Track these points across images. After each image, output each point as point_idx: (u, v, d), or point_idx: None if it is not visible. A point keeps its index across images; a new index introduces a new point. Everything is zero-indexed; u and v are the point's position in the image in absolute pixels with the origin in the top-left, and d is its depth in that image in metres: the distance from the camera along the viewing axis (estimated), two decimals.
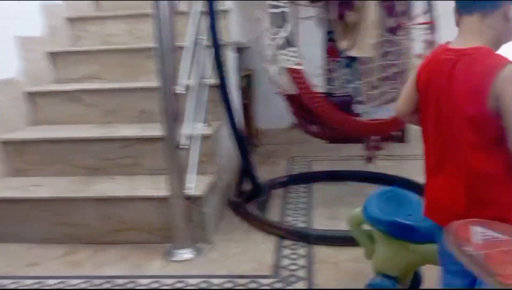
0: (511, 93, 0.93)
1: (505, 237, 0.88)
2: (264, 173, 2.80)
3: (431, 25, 2.49)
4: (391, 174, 2.78)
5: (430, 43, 2.49)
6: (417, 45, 2.55)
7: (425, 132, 1.15)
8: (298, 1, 2.58)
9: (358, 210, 1.45)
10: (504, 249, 0.83)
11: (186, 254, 1.84)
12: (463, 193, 1.03)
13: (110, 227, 1.98)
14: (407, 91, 1.21)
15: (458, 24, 1.08)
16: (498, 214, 1.00)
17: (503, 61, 0.97)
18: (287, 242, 1.96)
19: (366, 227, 1.48)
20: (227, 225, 2.15)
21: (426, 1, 2.46)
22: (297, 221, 2.22)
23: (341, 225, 2.11)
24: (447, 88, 1.03)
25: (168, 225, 1.88)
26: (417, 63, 2.58)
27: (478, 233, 0.90)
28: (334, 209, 2.33)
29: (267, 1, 2.07)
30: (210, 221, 1.98)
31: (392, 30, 2.59)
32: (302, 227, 2.13)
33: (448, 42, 1.10)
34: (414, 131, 3.64)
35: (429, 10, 2.48)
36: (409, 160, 3.24)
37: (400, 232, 1.30)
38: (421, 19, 2.54)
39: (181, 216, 1.83)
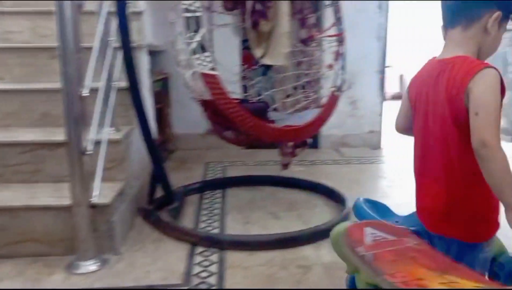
0: (480, 91, 0.99)
1: (393, 238, 0.94)
2: (180, 178, 2.76)
3: (340, 37, 2.63)
4: (303, 178, 2.87)
5: (338, 54, 2.62)
6: (327, 56, 2.68)
7: (416, 139, 1.21)
8: (213, 2, 2.59)
9: (345, 225, 1.41)
10: (391, 249, 0.89)
11: (90, 266, 1.74)
12: (444, 193, 1.08)
13: (5, 239, 1.82)
14: (401, 106, 1.28)
15: (444, 38, 1.16)
16: (478, 213, 1.06)
17: (481, 64, 1.03)
18: (199, 249, 1.94)
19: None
20: (137, 234, 2.08)
21: (333, 3, 2.58)
22: (210, 227, 2.21)
23: (254, 230, 2.15)
24: (433, 96, 1.10)
25: (72, 236, 1.77)
26: (327, 73, 2.74)
27: (370, 234, 0.95)
28: (248, 214, 2.36)
29: (181, 4, 2.04)
30: (118, 231, 1.90)
31: (304, 41, 2.69)
32: (215, 233, 2.12)
33: (434, 57, 1.17)
34: (325, 137, 3.82)
35: (338, 23, 2.61)
36: (320, 165, 3.38)
37: None
38: (331, 32, 2.67)
39: (86, 226, 1.73)
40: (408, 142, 4.08)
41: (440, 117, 1.08)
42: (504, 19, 1.09)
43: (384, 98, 4.03)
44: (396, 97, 8.25)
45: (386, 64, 4.04)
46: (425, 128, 1.14)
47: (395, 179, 3.05)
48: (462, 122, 1.02)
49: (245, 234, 2.10)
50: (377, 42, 3.79)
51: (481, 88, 0.99)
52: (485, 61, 1.07)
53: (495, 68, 1.02)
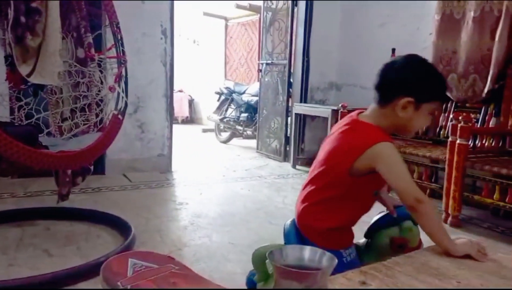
0: (389, 163, 1.16)
1: (156, 266, 0.92)
2: None
3: (120, 59, 2.56)
4: (84, 208, 2.66)
5: (119, 76, 2.55)
6: (110, 78, 2.58)
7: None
8: None
9: (266, 248, 1.36)
10: (152, 278, 0.87)
11: None
12: (307, 214, 1.30)
13: None
14: None
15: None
16: (327, 230, 1.27)
17: (379, 138, 1.17)
18: None
19: None
20: None
21: (112, 24, 2.50)
22: None
23: (21, 272, 1.86)
24: (334, 141, 1.27)
25: None
26: (109, 95, 2.63)
27: (133, 265, 0.91)
28: (13, 255, 2.04)
29: None
30: None
31: (82, 61, 2.53)
32: None
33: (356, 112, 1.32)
34: (112, 162, 3.66)
35: (117, 44, 2.54)
36: (106, 192, 3.21)
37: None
38: (111, 53, 2.58)
39: None
40: (197, 165, 4.26)
41: (329, 158, 1.26)
42: (422, 103, 1.21)
43: (172, 122, 4.11)
44: (186, 121, 8.56)
45: (177, 89, 4.12)
46: (318, 162, 1.32)
47: (182, 202, 3.11)
48: (341, 171, 1.22)
49: (6, 279, 1.79)
50: (163, 67, 3.86)
51: (388, 161, 1.16)
52: (381, 133, 1.21)
53: (390, 141, 1.19)
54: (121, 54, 2.53)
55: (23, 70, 2.16)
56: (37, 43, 2.14)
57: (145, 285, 0.84)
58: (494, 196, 2.60)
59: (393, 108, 1.22)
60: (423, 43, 3.59)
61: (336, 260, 0.65)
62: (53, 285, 1.74)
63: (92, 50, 2.49)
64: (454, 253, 1.09)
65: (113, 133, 2.51)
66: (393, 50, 3.72)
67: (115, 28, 2.45)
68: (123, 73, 2.56)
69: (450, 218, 2.72)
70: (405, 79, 1.21)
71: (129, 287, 0.82)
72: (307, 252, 0.68)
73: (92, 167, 2.63)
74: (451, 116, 2.94)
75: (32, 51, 2.15)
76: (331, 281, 0.95)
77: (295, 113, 4.50)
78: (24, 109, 2.52)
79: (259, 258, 1.42)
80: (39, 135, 2.43)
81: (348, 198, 1.26)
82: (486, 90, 2.97)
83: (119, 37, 2.52)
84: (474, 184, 2.77)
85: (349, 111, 3.52)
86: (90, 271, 1.83)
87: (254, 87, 6.05)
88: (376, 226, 1.41)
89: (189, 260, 2.06)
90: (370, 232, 1.41)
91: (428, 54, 3.39)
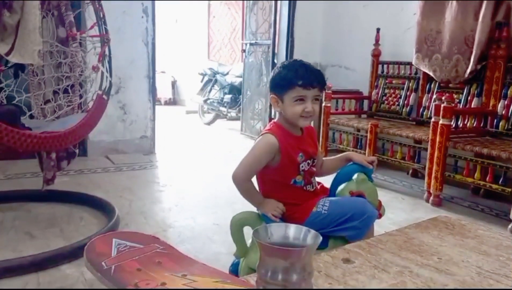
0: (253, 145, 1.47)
1: (140, 245, 0.91)
2: None
3: (103, 38, 2.50)
4: (66, 190, 2.63)
5: (102, 55, 2.49)
6: (92, 57, 2.52)
7: None
8: None
9: (244, 214, 1.54)
10: (137, 258, 0.86)
11: None
12: None
13: None
14: None
15: None
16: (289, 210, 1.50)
17: (265, 131, 1.46)
18: None
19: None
20: None
21: (94, 2, 2.43)
22: None
23: (2, 255, 1.84)
24: None
25: None
26: (93, 75, 2.57)
27: (117, 245, 0.90)
28: None
29: None
30: None
31: (64, 41, 2.46)
32: None
33: None
34: (93, 144, 3.61)
35: (100, 23, 2.48)
36: (89, 174, 3.17)
37: None
38: (93, 31, 2.52)
39: None
40: (181, 147, 4.21)
41: None
42: (281, 95, 1.41)
43: (155, 103, 4.05)
44: (169, 102, 8.46)
45: (159, 70, 4.02)
46: None
47: (166, 184, 3.09)
48: None
49: None
50: (145, 47, 3.79)
51: (254, 145, 1.47)
52: (271, 127, 1.47)
53: (273, 134, 1.42)
54: (104, 32, 2.47)
55: (1, 48, 2.08)
56: (15, 20, 2.06)
57: (130, 264, 0.83)
58: (475, 176, 2.64)
59: (275, 106, 1.47)
60: (407, 24, 3.59)
61: (321, 238, 0.65)
62: (36, 266, 1.73)
63: (74, 29, 2.42)
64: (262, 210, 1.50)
65: (98, 114, 2.47)
66: (378, 30, 3.71)
67: (97, 6, 2.38)
68: (107, 52, 2.51)
69: (432, 197, 2.77)
70: (269, 80, 1.48)
71: (113, 267, 0.81)
72: (292, 230, 0.68)
73: (77, 151, 2.60)
74: (434, 96, 2.95)
75: (10, 29, 2.08)
76: (315, 259, 0.96)
77: None
78: (5, 91, 2.45)
79: (239, 223, 1.52)
80: (21, 117, 2.38)
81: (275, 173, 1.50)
82: (469, 70, 2.99)
83: (101, 15, 2.45)
84: (456, 163, 2.81)
85: (334, 92, 3.58)
86: (74, 252, 1.82)
87: (238, 68, 6.00)
88: (335, 183, 1.53)
89: (174, 241, 2.06)
90: (332, 192, 1.53)
91: (412, 35, 3.40)
